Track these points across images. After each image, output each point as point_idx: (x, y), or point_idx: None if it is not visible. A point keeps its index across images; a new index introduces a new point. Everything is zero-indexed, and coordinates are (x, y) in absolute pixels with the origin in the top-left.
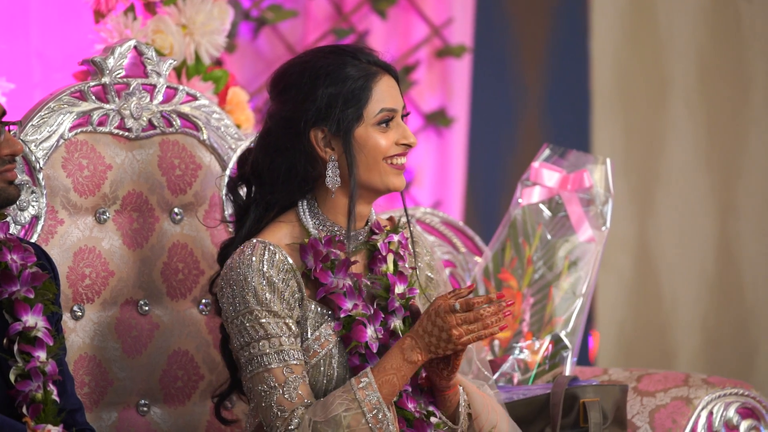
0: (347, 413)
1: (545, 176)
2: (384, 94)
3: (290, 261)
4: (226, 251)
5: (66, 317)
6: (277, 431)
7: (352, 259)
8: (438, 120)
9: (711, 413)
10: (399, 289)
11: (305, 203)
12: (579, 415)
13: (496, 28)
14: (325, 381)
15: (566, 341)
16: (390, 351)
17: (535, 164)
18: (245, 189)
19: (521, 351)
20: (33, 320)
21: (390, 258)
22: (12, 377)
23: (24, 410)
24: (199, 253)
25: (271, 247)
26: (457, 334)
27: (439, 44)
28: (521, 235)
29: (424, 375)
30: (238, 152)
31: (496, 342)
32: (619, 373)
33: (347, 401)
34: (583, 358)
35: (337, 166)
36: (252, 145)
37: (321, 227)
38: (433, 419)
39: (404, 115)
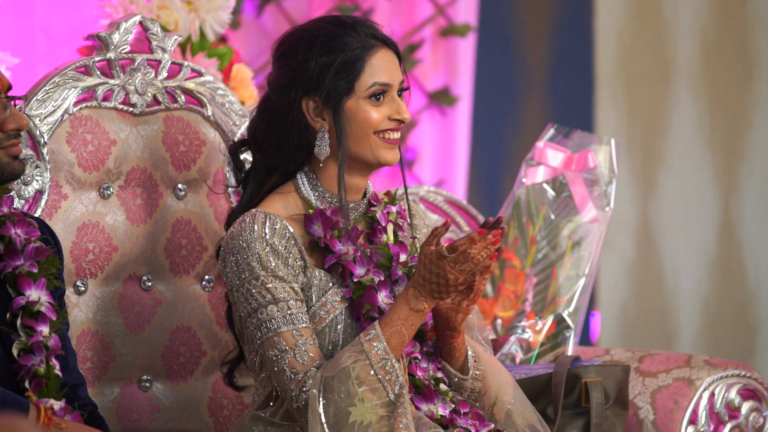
0: (356, 365)
1: (549, 156)
2: (379, 67)
3: (291, 230)
4: (231, 218)
5: (69, 292)
6: (292, 393)
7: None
8: (442, 99)
9: (713, 394)
10: (402, 258)
11: (303, 175)
12: (581, 395)
13: (500, 7)
14: (330, 347)
15: (569, 321)
16: (395, 303)
17: (540, 144)
18: (251, 154)
19: (524, 330)
20: (36, 294)
21: (390, 228)
22: (15, 351)
23: (27, 384)
24: (203, 229)
25: (272, 216)
26: (452, 278)
27: (443, 23)
28: (525, 215)
29: (430, 325)
30: (242, 128)
31: (499, 321)
32: (621, 354)
33: (355, 353)
34: (585, 338)
35: (327, 137)
36: (255, 111)
37: (321, 198)
38: (442, 386)
39: (403, 90)
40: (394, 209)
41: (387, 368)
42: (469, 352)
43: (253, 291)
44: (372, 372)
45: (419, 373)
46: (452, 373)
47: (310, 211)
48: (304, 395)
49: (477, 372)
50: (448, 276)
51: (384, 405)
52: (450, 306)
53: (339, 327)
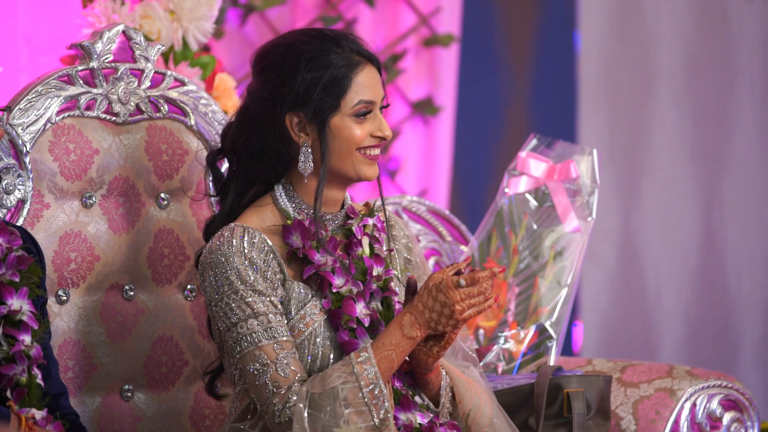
0: (345, 386)
1: (532, 166)
2: (364, 85)
3: (270, 243)
4: (210, 228)
5: (51, 301)
6: (274, 408)
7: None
8: (425, 109)
9: (694, 405)
10: (376, 271)
11: (281, 187)
12: (563, 405)
13: (483, 17)
14: (310, 359)
15: (551, 331)
16: (388, 327)
17: (522, 154)
18: (227, 162)
19: (506, 340)
20: (18, 304)
21: (365, 241)
22: None
23: (8, 394)
24: (185, 238)
25: (250, 230)
26: (459, 309)
27: (426, 33)
28: (507, 225)
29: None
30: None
31: (481, 331)
32: (604, 364)
33: (345, 374)
34: (567, 348)
35: (310, 152)
36: (232, 119)
37: (298, 210)
38: (417, 399)
39: (384, 107)
40: (370, 222)
41: (375, 393)
42: (443, 384)
43: (233, 305)
44: (360, 395)
45: (396, 384)
46: (426, 402)
47: (288, 222)
48: (288, 411)
49: (448, 402)
50: (455, 306)
51: (368, 429)
52: (422, 349)
53: (318, 339)
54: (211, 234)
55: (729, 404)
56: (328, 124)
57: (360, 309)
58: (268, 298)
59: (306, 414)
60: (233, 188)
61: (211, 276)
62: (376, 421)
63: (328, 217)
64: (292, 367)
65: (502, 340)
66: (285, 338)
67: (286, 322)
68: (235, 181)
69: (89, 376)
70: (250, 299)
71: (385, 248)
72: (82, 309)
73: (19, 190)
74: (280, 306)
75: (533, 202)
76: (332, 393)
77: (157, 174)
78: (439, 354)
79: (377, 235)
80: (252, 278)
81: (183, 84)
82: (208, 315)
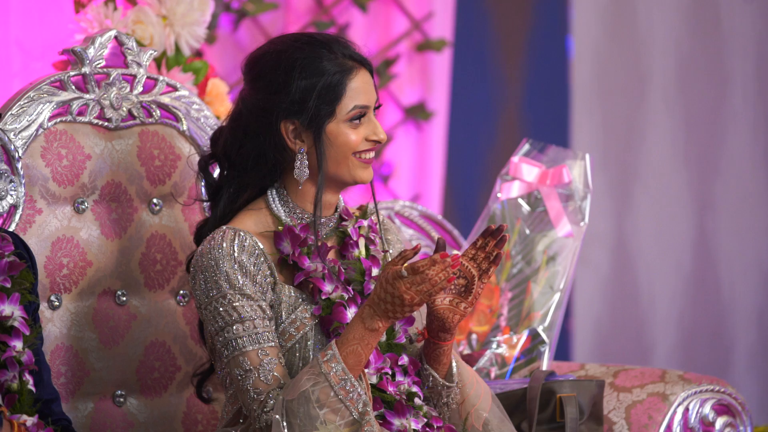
0: (315, 387)
1: (524, 171)
2: (358, 90)
3: (261, 246)
4: (201, 231)
5: (43, 307)
6: (254, 413)
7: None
8: (417, 114)
9: (687, 409)
10: (374, 272)
11: (274, 191)
12: (556, 409)
13: (476, 22)
14: (300, 364)
15: (543, 336)
16: (351, 321)
17: (515, 159)
18: (218, 167)
19: (499, 345)
20: (9, 309)
21: (361, 243)
22: None
23: None
24: (178, 243)
25: (241, 233)
26: (408, 298)
27: (419, 38)
28: None
29: (422, 329)
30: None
31: (474, 336)
32: (596, 369)
33: (314, 376)
34: (560, 353)
35: (306, 158)
36: (224, 123)
37: (292, 215)
38: (416, 400)
39: (376, 108)
40: (365, 223)
41: (347, 388)
42: (453, 362)
43: (221, 309)
44: (332, 393)
45: (390, 389)
46: (438, 380)
47: (279, 228)
48: (265, 416)
49: (458, 381)
50: (403, 296)
51: (348, 424)
52: (447, 307)
53: (309, 343)
54: (203, 237)
55: (722, 409)
56: (324, 131)
57: (351, 315)
58: (256, 303)
59: (283, 423)
60: (225, 193)
61: (201, 279)
62: (356, 414)
63: (322, 221)
64: (275, 374)
65: (494, 345)
66: (270, 344)
67: (274, 327)
68: (227, 186)
69: (81, 381)
70: (237, 304)
71: (380, 250)
72: (74, 314)
73: (11, 195)
74: (269, 311)
75: (526, 207)
76: (304, 396)
77: (150, 179)
78: (466, 311)
79: (372, 237)
80: (241, 282)
81: (175, 89)
82: (200, 318)
